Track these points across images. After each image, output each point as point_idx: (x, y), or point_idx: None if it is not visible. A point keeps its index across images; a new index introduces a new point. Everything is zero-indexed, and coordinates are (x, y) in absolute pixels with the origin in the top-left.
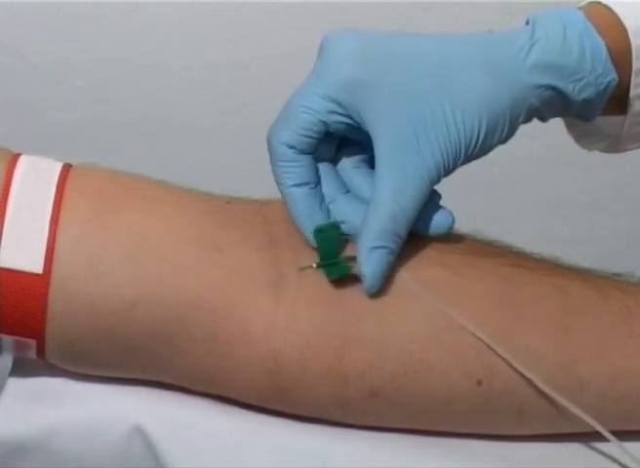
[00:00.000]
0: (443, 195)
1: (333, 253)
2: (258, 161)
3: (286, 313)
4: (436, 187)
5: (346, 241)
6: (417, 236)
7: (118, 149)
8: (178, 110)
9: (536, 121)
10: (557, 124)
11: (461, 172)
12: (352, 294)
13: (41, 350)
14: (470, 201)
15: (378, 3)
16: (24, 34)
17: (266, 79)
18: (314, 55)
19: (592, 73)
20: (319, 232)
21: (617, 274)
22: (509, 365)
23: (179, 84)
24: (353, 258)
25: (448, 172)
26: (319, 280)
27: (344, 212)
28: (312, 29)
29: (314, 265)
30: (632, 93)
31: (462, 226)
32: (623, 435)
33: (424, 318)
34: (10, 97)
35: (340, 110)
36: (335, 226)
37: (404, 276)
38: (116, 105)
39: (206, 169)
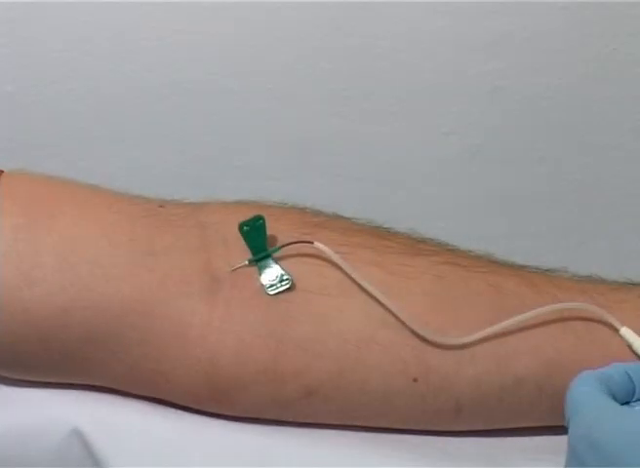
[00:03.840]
0: (380, 195)
1: (262, 245)
2: (191, 164)
3: (220, 315)
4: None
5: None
6: (349, 236)
7: (50, 154)
8: (111, 114)
9: (471, 110)
10: (489, 120)
11: (395, 170)
12: (286, 295)
13: None
14: (404, 199)
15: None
16: None
17: (200, 79)
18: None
19: None
20: (243, 227)
21: (550, 269)
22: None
23: (113, 88)
24: (282, 247)
25: None
26: (253, 281)
27: None
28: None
29: (246, 262)
30: None
31: (397, 225)
32: (558, 429)
33: (360, 317)
34: None
35: None
36: (258, 219)
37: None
38: (48, 110)
39: (140, 172)
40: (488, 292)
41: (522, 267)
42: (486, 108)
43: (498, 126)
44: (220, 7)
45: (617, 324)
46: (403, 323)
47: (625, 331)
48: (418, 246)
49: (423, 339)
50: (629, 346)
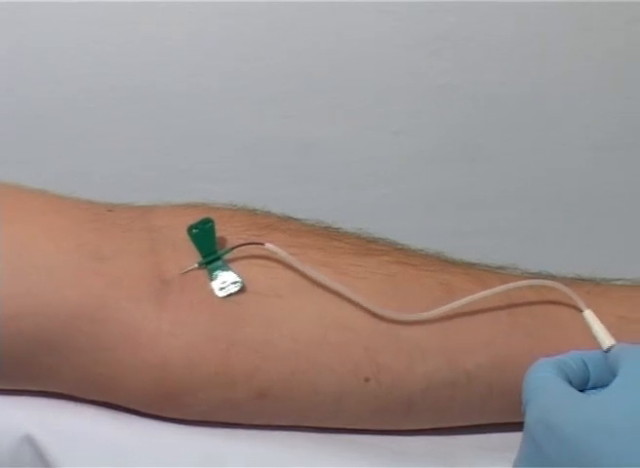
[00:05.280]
0: (330, 195)
1: (211, 248)
2: (139, 167)
3: (170, 318)
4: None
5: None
6: (299, 237)
7: None
8: (58, 118)
9: (419, 109)
10: (438, 119)
11: (344, 170)
12: (236, 297)
13: None
14: (354, 199)
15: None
16: None
17: (146, 82)
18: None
19: None
20: (192, 230)
21: (500, 267)
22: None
23: (60, 92)
24: (232, 249)
25: None
26: (203, 284)
27: None
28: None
29: (196, 265)
30: None
31: (346, 225)
32: (511, 426)
33: (310, 318)
34: None
35: None
36: (206, 221)
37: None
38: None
39: (88, 176)
40: (438, 290)
41: (472, 265)
42: (434, 107)
43: (447, 125)
44: (168, 9)
45: (582, 305)
46: (360, 305)
47: (588, 314)
48: (368, 246)
49: (382, 318)
50: (590, 329)
